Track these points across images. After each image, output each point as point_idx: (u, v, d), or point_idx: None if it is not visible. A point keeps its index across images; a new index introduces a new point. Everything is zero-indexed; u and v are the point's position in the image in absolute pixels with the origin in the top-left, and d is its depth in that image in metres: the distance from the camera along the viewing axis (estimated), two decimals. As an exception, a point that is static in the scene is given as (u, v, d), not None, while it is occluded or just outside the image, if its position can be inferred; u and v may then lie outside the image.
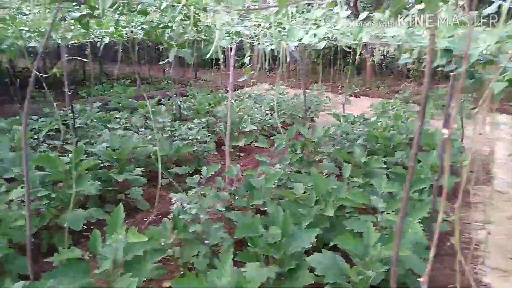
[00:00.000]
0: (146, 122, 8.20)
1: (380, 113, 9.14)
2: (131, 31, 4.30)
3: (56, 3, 2.55)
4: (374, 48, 17.62)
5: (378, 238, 3.01)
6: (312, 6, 2.85)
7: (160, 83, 15.39)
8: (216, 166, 4.31)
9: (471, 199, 5.44)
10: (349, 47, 3.10)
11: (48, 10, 3.44)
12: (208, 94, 11.09)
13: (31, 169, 3.99)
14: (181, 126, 7.06)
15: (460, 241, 1.73)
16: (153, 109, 7.78)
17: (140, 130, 6.99)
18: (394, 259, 1.47)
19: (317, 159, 5.77)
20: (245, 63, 3.37)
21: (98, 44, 5.46)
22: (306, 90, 8.93)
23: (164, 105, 9.59)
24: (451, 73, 2.35)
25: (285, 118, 9.42)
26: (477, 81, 2.19)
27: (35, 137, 6.46)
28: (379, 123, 7.26)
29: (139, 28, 3.97)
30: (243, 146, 7.58)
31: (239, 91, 12.58)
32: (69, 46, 6.34)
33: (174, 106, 9.32)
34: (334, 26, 2.82)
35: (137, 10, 2.58)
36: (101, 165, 5.13)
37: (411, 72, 17.23)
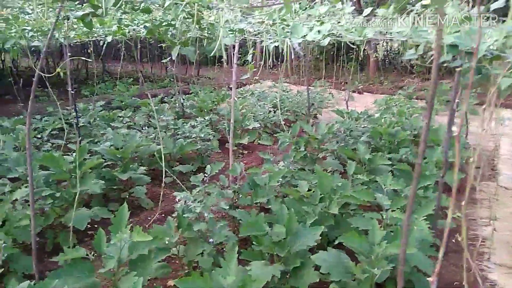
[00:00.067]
0: (149, 121, 8.20)
1: (383, 109, 9.10)
2: (134, 30, 4.29)
3: (58, 2, 2.54)
4: (378, 44, 17.56)
5: (383, 235, 2.99)
6: (315, 2, 2.83)
7: (163, 81, 15.39)
8: (220, 164, 4.30)
9: (477, 195, 5.41)
10: (353, 43, 3.08)
11: (50, 9, 3.43)
12: (211, 92, 11.07)
13: (35, 169, 3.99)
14: (184, 124, 7.05)
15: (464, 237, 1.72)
16: (156, 107, 7.77)
17: (143, 128, 6.99)
18: (401, 258, 1.45)
19: (321, 156, 5.75)
20: (248, 60, 3.35)
21: (101, 43, 5.46)
22: (309, 87, 8.89)
23: (167, 103, 9.59)
24: (457, 69, 2.33)
25: (288, 115, 9.40)
26: (483, 76, 2.16)
27: (39, 136, 6.47)
28: (383, 120, 7.22)
29: (142, 26, 3.96)
30: (246, 143, 7.56)
31: (241, 88, 12.56)
32: (72, 45, 6.34)
33: (177, 104, 9.31)
34: (338, 23, 2.80)
35: (140, 8, 2.56)
36: (105, 164, 5.13)
37: (414, 67, 17.15)
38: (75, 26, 4.77)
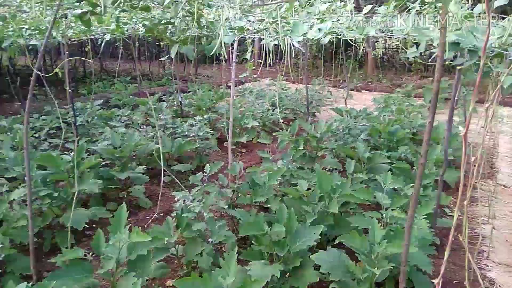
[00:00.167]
0: (148, 119, 8.17)
1: (382, 107, 9.09)
2: (133, 28, 4.26)
3: (56, 0, 2.51)
4: (377, 42, 17.55)
5: (383, 235, 2.98)
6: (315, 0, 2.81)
7: (161, 79, 15.34)
8: (219, 163, 4.28)
9: (476, 193, 5.41)
10: (354, 42, 3.06)
11: (48, 8, 3.39)
12: (210, 90, 11.04)
13: (32, 168, 3.96)
14: (183, 123, 7.03)
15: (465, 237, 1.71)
16: (154, 106, 7.74)
17: (141, 127, 6.96)
18: (404, 259, 1.44)
19: (320, 155, 5.73)
20: (246, 58, 3.33)
21: (99, 41, 5.42)
22: (307, 85, 8.87)
23: (165, 101, 9.55)
24: (458, 67, 2.31)
25: (287, 114, 9.38)
26: (485, 74, 2.15)
27: (36, 135, 6.43)
28: (381, 118, 7.21)
29: (141, 24, 3.93)
30: (245, 142, 7.54)
31: (240, 86, 12.53)
32: (69, 43, 6.30)
33: (176, 103, 9.28)
34: (338, 20, 2.78)
35: (139, 6, 2.54)
36: (103, 163, 5.10)
37: (412, 65, 17.16)
38: (73, 24, 4.73)
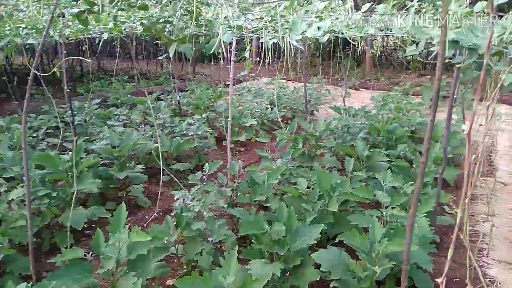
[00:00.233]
0: (146, 118, 8.15)
1: (381, 105, 9.09)
2: (130, 27, 4.24)
3: (53, -1, 2.50)
4: (375, 40, 17.54)
5: (383, 233, 2.98)
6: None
7: (159, 78, 15.31)
8: (218, 162, 4.26)
9: (475, 190, 5.42)
10: (353, 40, 3.06)
11: (45, 7, 3.38)
12: (208, 89, 11.02)
13: (31, 168, 3.95)
14: (181, 122, 7.01)
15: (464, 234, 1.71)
16: (152, 105, 7.72)
17: (140, 126, 6.94)
18: (405, 257, 1.44)
19: (319, 153, 5.73)
20: (244, 57, 3.32)
21: (97, 40, 5.40)
22: (306, 83, 8.86)
23: (163, 100, 9.53)
24: (457, 65, 2.31)
25: (285, 112, 9.37)
26: (486, 72, 2.14)
27: (34, 135, 6.41)
28: (380, 116, 7.20)
29: (138, 23, 3.91)
30: (243, 141, 7.53)
31: (238, 85, 12.51)
32: (66, 42, 6.28)
33: (174, 102, 9.26)
34: (336, 19, 2.78)
35: (137, 5, 2.52)
36: (102, 162, 5.08)
37: (410, 63, 17.17)
38: (70, 23, 4.72)
